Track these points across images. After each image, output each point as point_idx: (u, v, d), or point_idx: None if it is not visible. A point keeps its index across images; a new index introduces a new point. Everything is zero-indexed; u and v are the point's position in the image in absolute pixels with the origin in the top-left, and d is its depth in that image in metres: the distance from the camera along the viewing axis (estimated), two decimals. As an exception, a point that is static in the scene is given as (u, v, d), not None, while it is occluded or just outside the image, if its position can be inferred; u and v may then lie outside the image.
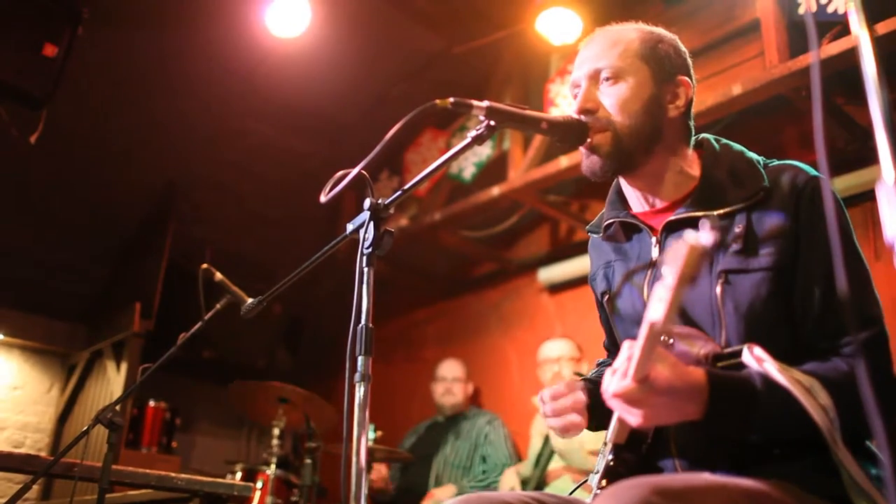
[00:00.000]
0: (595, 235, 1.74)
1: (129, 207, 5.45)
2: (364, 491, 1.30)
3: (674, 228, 1.52)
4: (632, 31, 1.59)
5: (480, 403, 5.20)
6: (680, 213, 1.50)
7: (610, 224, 1.65)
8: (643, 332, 1.13)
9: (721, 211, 1.46)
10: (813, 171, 1.47)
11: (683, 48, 1.63)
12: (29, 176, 4.87)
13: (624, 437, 1.41)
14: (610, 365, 1.39)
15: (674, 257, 1.00)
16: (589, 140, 1.53)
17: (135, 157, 5.14)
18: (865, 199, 3.49)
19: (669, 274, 1.00)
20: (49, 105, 3.67)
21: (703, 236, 0.99)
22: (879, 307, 1.39)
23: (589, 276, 1.79)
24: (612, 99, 1.53)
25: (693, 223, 1.45)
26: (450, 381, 4.94)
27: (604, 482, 1.43)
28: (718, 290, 1.42)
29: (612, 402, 1.24)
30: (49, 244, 5.28)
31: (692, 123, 1.62)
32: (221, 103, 4.93)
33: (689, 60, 1.63)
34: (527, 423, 4.58)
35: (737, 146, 1.59)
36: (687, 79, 1.58)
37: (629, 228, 1.63)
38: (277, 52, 4.52)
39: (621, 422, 1.38)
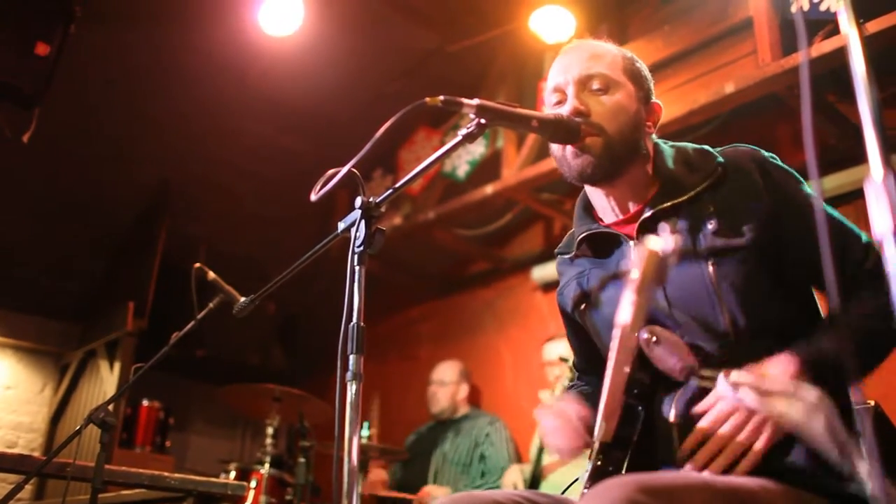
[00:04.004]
0: (566, 256, 1.73)
1: (122, 206, 5.43)
2: (357, 490, 1.30)
3: (647, 229, 1.52)
4: (613, 48, 1.65)
5: (478, 403, 5.18)
6: (647, 213, 1.53)
7: (583, 240, 1.65)
8: (615, 335, 1.14)
9: (685, 196, 1.50)
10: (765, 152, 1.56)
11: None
12: (22, 175, 4.85)
13: (610, 436, 1.41)
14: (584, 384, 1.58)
15: (638, 261, 1.01)
16: (579, 142, 1.53)
17: (128, 155, 5.13)
18: (856, 196, 3.49)
19: (635, 278, 1.01)
20: (42, 104, 3.65)
21: (659, 242, 0.99)
22: (868, 238, 1.45)
23: (557, 292, 1.78)
24: (603, 107, 1.55)
25: (665, 215, 1.49)
26: (435, 384, 4.90)
27: (591, 481, 1.43)
28: (711, 269, 1.44)
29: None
30: (42, 243, 5.26)
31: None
32: (215, 102, 4.92)
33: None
34: (520, 421, 4.57)
35: (685, 143, 1.65)
36: (659, 104, 1.65)
37: (606, 241, 1.62)
38: (271, 51, 4.51)
39: (606, 420, 1.38)
